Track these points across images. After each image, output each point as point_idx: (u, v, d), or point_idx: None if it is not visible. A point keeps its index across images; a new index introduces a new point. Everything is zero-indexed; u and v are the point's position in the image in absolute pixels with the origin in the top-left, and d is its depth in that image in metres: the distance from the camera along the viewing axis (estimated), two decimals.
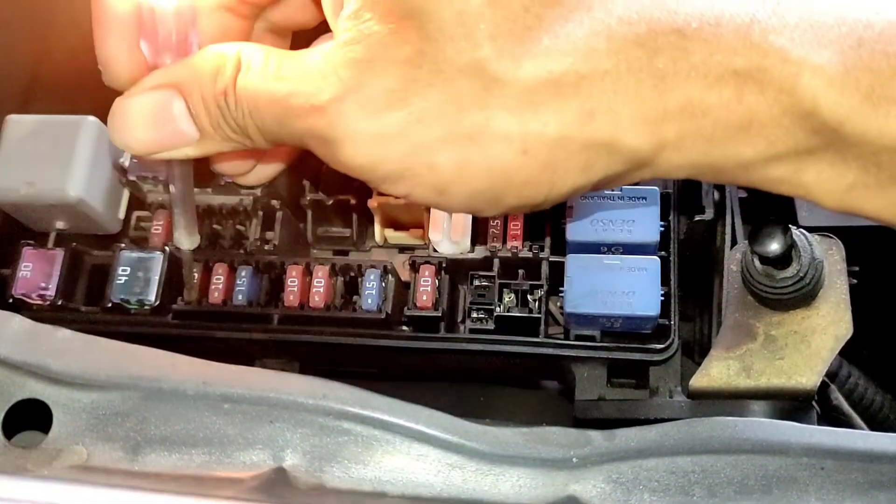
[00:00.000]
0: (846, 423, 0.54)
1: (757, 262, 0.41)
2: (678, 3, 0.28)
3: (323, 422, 0.37)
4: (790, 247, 0.39)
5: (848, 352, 0.57)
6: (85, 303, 0.49)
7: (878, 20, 0.27)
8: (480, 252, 0.48)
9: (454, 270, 0.49)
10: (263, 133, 0.32)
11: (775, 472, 0.37)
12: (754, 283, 0.41)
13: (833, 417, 0.54)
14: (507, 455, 0.37)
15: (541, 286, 0.47)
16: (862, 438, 0.38)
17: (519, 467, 0.37)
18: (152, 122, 0.33)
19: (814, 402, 0.43)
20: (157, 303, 0.47)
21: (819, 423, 0.50)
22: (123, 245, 0.48)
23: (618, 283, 0.44)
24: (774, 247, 0.38)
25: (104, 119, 0.49)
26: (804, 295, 0.41)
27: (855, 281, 0.49)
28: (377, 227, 0.52)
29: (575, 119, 0.29)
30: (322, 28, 0.38)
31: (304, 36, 0.39)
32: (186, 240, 0.42)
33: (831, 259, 0.42)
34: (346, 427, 0.37)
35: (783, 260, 0.40)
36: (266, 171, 0.42)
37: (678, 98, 0.28)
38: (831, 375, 0.56)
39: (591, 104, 0.28)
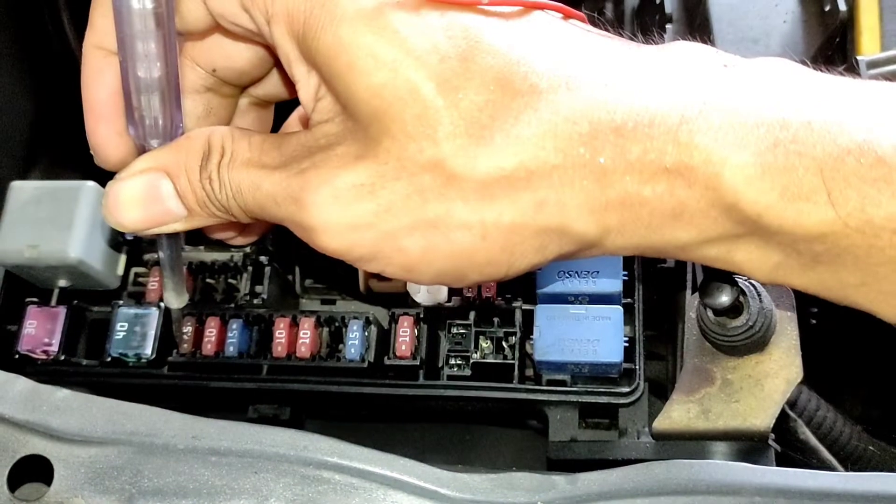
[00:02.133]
0: (813, 456, 0.57)
1: (710, 313, 0.43)
2: (616, 103, 0.31)
3: (304, 472, 0.39)
4: (738, 298, 0.42)
5: (815, 384, 0.60)
6: (86, 356, 0.52)
7: (793, 120, 0.29)
8: (457, 301, 0.51)
9: (433, 319, 0.52)
10: (247, 213, 0.35)
11: None
12: (708, 331, 0.44)
13: (800, 451, 0.56)
14: (476, 500, 0.39)
15: (514, 333, 0.50)
16: (811, 478, 0.41)
17: None
18: (142, 203, 0.36)
19: (771, 442, 0.45)
20: (154, 356, 0.50)
21: (787, 457, 0.53)
22: (121, 302, 0.51)
23: (583, 332, 0.46)
24: (723, 299, 0.41)
25: (103, 183, 0.53)
26: (756, 342, 0.43)
27: (815, 322, 0.52)
28: (361, 278, 0.55)
29: (527, 209, 0.31)
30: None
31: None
32: (175, 300, 0.45)
33: (782, 306, 0.45)
34: (325, 476, 0.40)
35: (733, 310, 0.42)
36: (252, 235, 0.45)
37: (618, 191, 0.31)
38: (800, 409, 0.59)
39: (541, 196, 0.31)
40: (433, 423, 0.61)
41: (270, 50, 0.37)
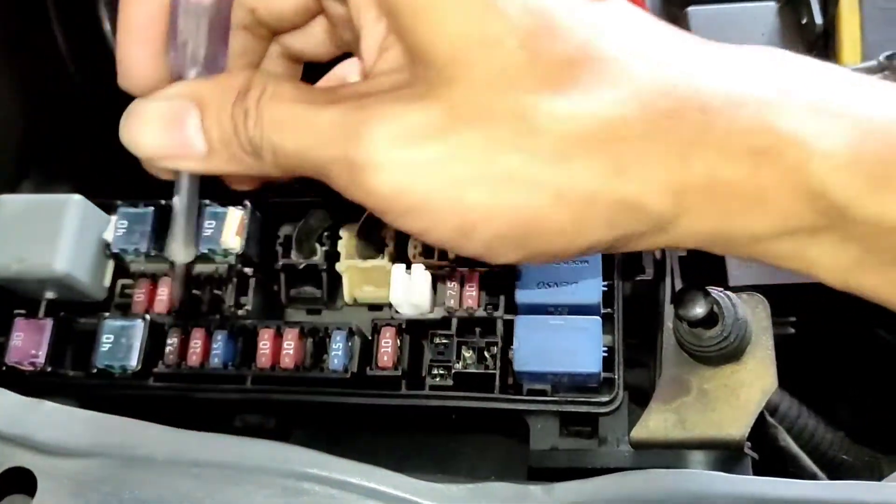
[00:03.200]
0: (794, 464, 0.57)
1: (685, 323, 0.44)
2: (701, 81, 0.30)
3: (284, 483, 0.40)
4: (713, 308, 0.42)
5: (800, 392, 0.61)
6: (73, 368, 0.53)
7: (880, 112, 0.29)
8: (439, 312, 0.52)
9: (415, 330, 0.52)
10: (278, 156, 0.32)
11: None
12: (684, 341, 0.44)
13: (781, 459, 0.57)
14: None
15: (496, 343, 0.51)
16: (786, 486, 0.41)
17: None
18: (163, 127, 0.33)
19: (748, 450, 0.46)
20: (139, 367, 0.51)
21: (766, 465, 0.54)
22: (107, 314, 0.52)
23: (562, 342, 0.47)
24: (697, 311, 0.42)
25: (91, 196, 0.54)
26: (731, 352, 0.44)
27: (793, 330, 0.52)
28: (346, 288, 0.55)
29: (604, 175, 0.30)
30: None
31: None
32: (182, 252, 0.40)
33: (757, 316, 0.45)
34: (305, 487, 0.40)
35: (708, 321, 0.43)
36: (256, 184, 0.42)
37: (700, 170, 0.29)
38: (780, 417, 0.59)
39: (620, 163, 0.30)
40: (418, 432, 0.62)
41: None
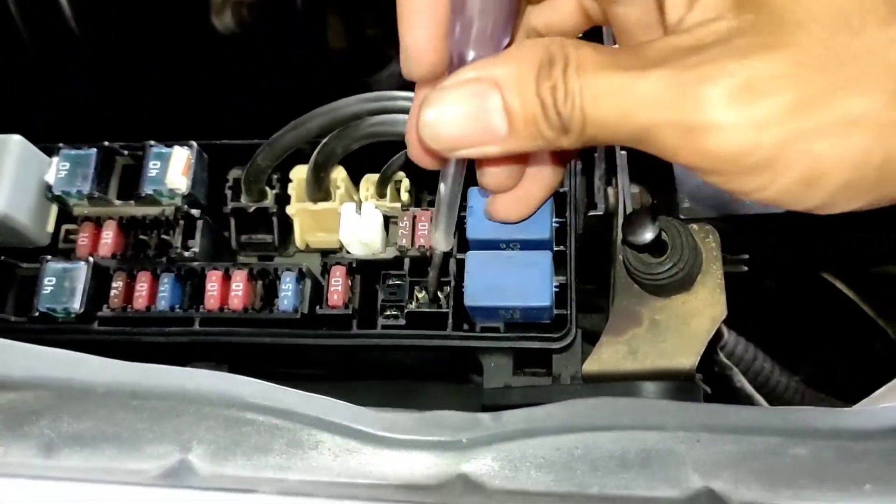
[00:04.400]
0: (750, 405, 0.57)
1: (634, 251, 0.43)
2: None
3: (227, 414, 0.39)
4: (661, 235, 0.42)
5: (754, 337, 0.61)
6: (15, 314, 0.51)
7: None
8: (391, 252, 0.51)
9: (367, 271, 0.51)
10: (588, 127, 0.30)
11: (654, 446, 0.40)
12: (635, 271, 0.44)
13: (736, 400, 0.57)
14: (401, 438, 0.39)
15: (449, 282, 0.50)
16: (734, 412, 0.41)
17: (413, 450, 0.39)
18: (465, 117, 0.32)
19: (699, 381, 0.45)
20: (83, 311, 0.50)
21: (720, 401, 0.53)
22: (49, 257, 0.51)
23: (513, 277, 0.46)
24: (646, 236, 0.41)
25: (30, 138, 0.52)
26: (681, 281, 0.44)
27: (746, 268, 0.52)
28: (297, 233, 0.54)
29: None
30: None
31: None
32: (444, 242, 0.42)
33: (707, 246, 0.45)
34: (248, 418, 0.39)
35: (656, 247, 0.42)
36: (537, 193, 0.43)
37: None
38: (736, 359, 0.60)
39: None
40: (377, 379, 0.61)
41: None
